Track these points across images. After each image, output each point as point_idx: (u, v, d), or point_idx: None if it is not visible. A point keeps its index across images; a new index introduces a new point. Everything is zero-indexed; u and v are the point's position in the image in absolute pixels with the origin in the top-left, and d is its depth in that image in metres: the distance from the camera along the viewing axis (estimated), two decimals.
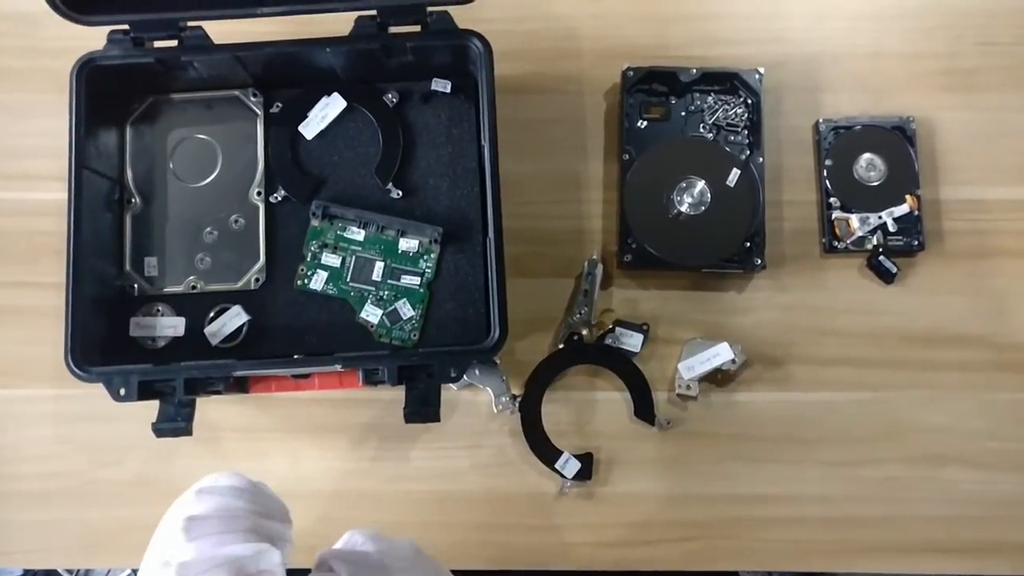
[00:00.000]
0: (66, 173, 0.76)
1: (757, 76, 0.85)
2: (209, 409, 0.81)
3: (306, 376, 0.77)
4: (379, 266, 0.82)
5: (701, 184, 0.82)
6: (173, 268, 0.83)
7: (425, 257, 0.82)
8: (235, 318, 0.81)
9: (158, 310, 0.82)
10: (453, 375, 0.74)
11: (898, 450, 0.82)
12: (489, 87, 0.77)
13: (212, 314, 0.82)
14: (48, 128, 0.86)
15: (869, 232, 0.85)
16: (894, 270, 0.84)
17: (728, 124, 0.86)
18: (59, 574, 1.19)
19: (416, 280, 0.82)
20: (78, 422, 0.83)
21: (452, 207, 0.83)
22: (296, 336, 0.82)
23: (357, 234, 0.82)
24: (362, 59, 0.80)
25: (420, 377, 0.74)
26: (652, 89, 0.87)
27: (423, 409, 0.74)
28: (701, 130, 0.86)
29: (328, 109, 0.84)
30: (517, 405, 0.82)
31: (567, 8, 0.91)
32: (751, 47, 0.89)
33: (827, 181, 0.86)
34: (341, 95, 0.84)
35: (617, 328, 0.83)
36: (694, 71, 0.85)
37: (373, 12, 0.77)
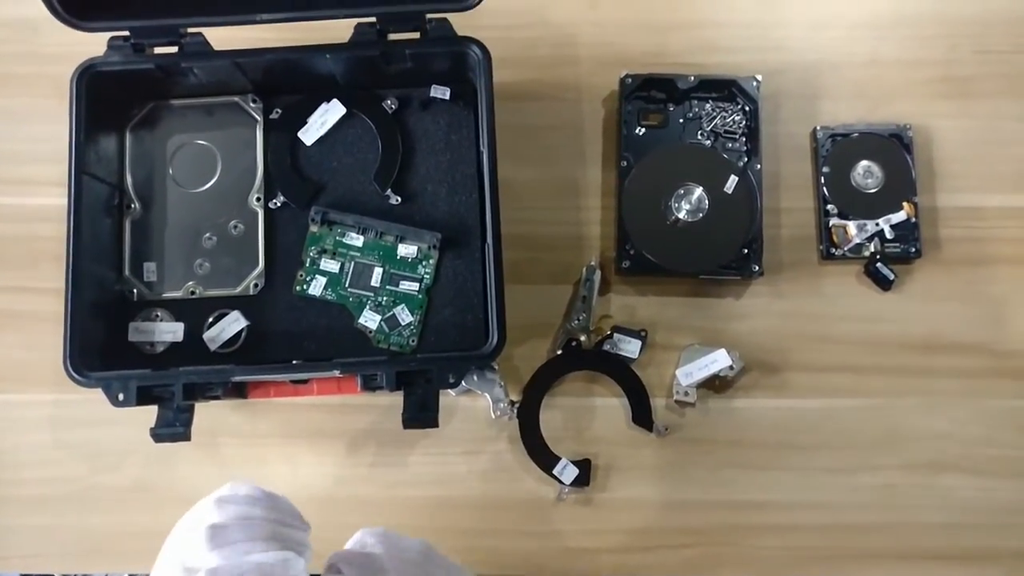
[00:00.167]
0: (66, 178, 0.77)
1: (755, 83, 0.85)
2: (208, 414, 0.80)
3: (305, 382, 0.77)
4: (378, 272, 0.82)
5: (699, 191, 0.82)
6: (172, 273, 0.83)
7: (424, 263, 0.82)
8: (234, 323, 0.81)
9: (157, 315, 0.82)
10: (451, 381, 0.74)
11: (896, 457, 0.82)
12: (488, 94, 0.77)
13: (211, 319, 0.82)
14: (48, 133, 0.86)
15: (866, 239, 0.85)
16: (891, 277, 0.84)
17: (726, 131, 0.86)
18: None
19: (415, 286, 0.82)
20: (77, 427, 0.83)
21: (451, 213, 0.83)
22: (295, 341, 0.82)
23: (356, 240, 0.83)
24: (361, 66, 0.81)
25: (418, 383, 0.75)
26: (650, 96, 0.87)
27: (421, 415, 0.74)
28: (699, 137, 0.86)
29: (327, 115, 0.84)
30: (515, 411, 0.82)
31: (566, 15, 0.91)
32: (749, 55, 0.90)
33: (824, 188, 0.86)
34: (340, 101, 0.84)
35: (615, 334, 0.83)
36: (692, 78, 0.85)
37: (372, 19, 0.78)
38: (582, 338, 0.83)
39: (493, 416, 0.82)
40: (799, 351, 0.84)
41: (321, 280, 0.82)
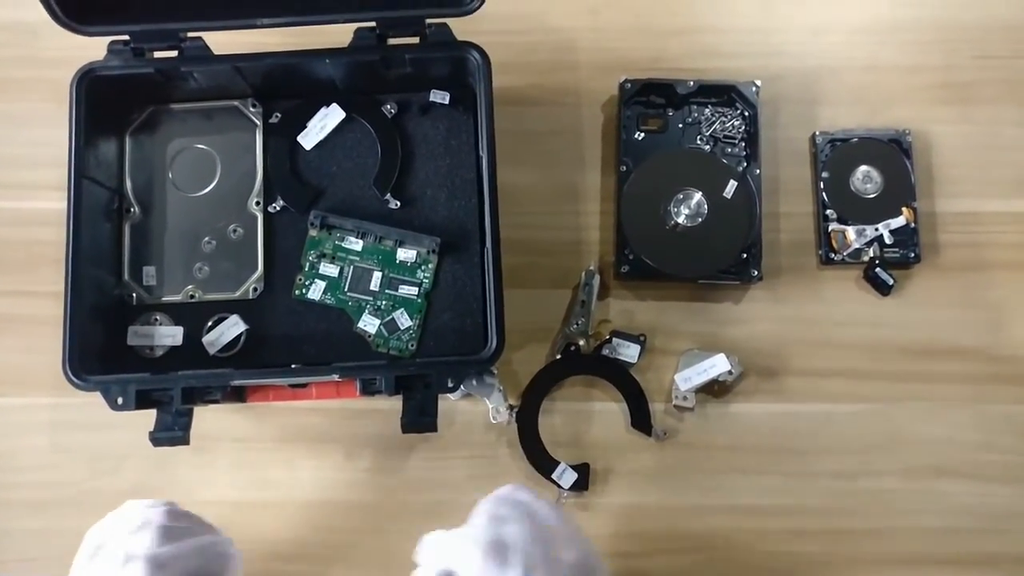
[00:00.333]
0: (65, 182, 0.77)
1: (754, 88, 0.85)
2: (207, 418, 0.80)
3: (303, 386, 0.77)
4: (377, 276, 0.82)
5: (698, 196, 0.82)
6: (171, 277, 0.83)
7: (423, 267, 0.82)
8: (233, 327, 0.81)
9: (156, 319, 0.82)
10: (450, 385, 0.74)
11: (895, 462, 0.82)
12: (487, 99, 0.77)
13: (210, 323, 0.82)
14: (48, 138, 0.86)
15: (865, 244, 0.85)
16: (890, 282, 0.84)
17: (725, 136, 0.86)
18: None
19: (414, 290, 0.82)
20: (75, 431, 0.83)
21: (450, 218, 0.83)
22: (294, 346, 0.82)
23: (355, 244, 0.83)
24: (361, 70, 0.81)
25: (417, 387, 0.75)
26: (649, 101, 0.87)
27: (420, 419, 0.74)
28: (698, 142, 0.87)
29: (327, 120, 0.84)
30: (514, 415, 0.82)
31: (565, 21, 0.91)
32: (748, 60, 0.90)
33: (824, 193, 0.86)
34: (340, 106, 0.84)
35: (614, 339, 0.83)
36: (691, 83, 0.85)
37: (372, 24, 0.78)
38: (581, 343, 0.83)
39: (492, 420, 0.82)
40: (798, 356, 0.84)
41: (320, 284, 0.82)
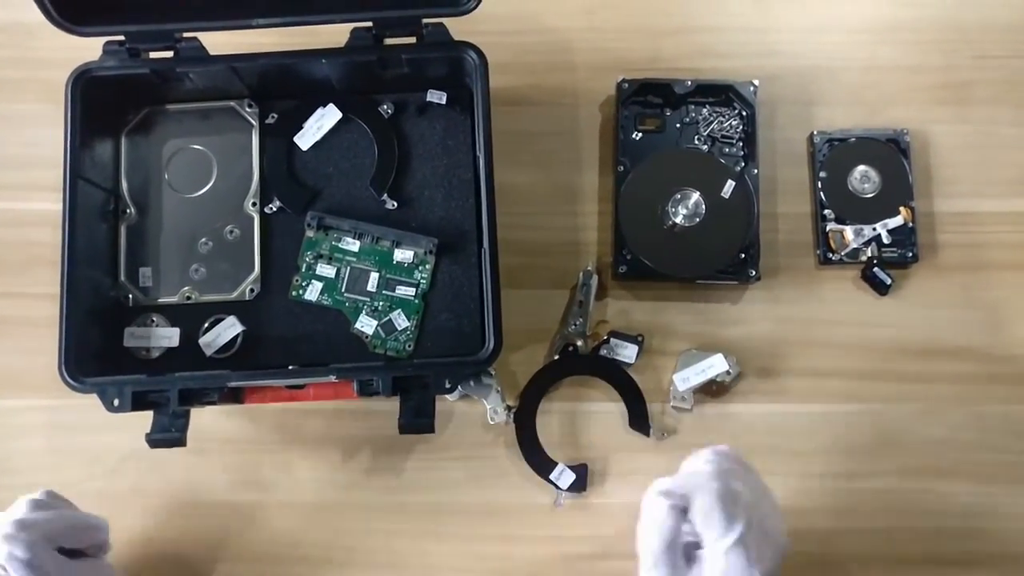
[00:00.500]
0: (61, 183, 0.76)
1: (752, 88, 0.85)
2: (203, 419, 0.80)
3: (301, 387, 0.77)
4: (374, 277, 0.82)
5: (696, 196, 0.82)
6: (168, 279, 0.83)
7: (420, 268, 0.82)
8: (230, 329, 0.81)
9: (152, 320, 0.82)
10: (448, 386, 0.73)
11: (893, 462, 0.82)
12: (484, 99, 0.77)
13: (207, 325, 0.81)
14: (43, 138, 0.86)
15: (863, 244, 0.85)
16: (888, 282, 0.84)
17: (723, 136, 0.86)
18: None
19: (411, 291, 0.82)
20: (72, 433, 0.83)
21: (447, 218, 0.83)
22: (291, 347, 0.82)
23: (352, 245, 0.83)
24: (358, 70, 0.81)
25: (415, 388, 0.74)
26: (647, 101, 0.87)
27: (418, 420, 0.74)
28: (696, 142, 0.86)
29: (323, 120, 0.84)
30: (512, 416, 0.82)
31: (562, 21, 0.91)
32: (746, 60, 0.90)
33: (821, 193, 0.86)
34: (337, 106, 0.84)
35: (612, 339, 0.83)
36: (689, 83, 0.85)
37: (368, 24, 0.77)
38: (579, 343, 0.83)
39: (490, 421, 0.81)
40: (796, 356, 0.84)
41: (317, 285, 0.82)
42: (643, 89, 0.86)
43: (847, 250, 0.85)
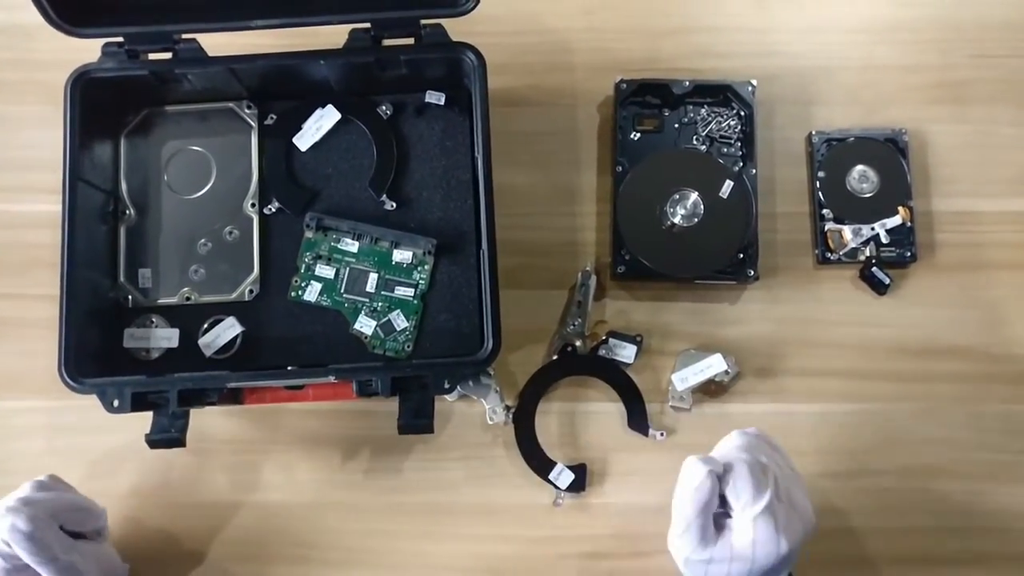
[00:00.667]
0: (60, 185, 0.76)
1: (750, 88, 0.85)
2: (203, 420, 0.80)
3: (300, 387, 0.77)
4: (373, 277, 0.82)
5: (694, 196, 0.82)
6: (167, 280, 0.83)
7: (419, 269, 0.82)
8: (229, 329, 0.81)
9: (152, 321, 0.82)
10: (447, 387, 0.74)
11: (891, 462, 0.82)
12: (483, 99, 0.77)
13: (206, 325, 0.82)
14: (42, 140, 0.86)
15: (862, 243, 0.85)
16: (887, 281, 0.84)
17: (721, 136, 0.86)
18: None
19: (410, 291, 0.82)
20: (72, 433, 0.83)
21: (446, 219, 0.83)
22: (290, 347, 0.82)
23: (351, 246, 0.83)
24: (356, 71, 0.81)
25: (414, 389, 0.75)
26: (645, 101, 0.87)
27: (417, 421, 0.74)
28: (694, 142, 0.86)
29: (322, 121, 0.84)
30: (511, 416, 0.82)
31: (560, 21, 0.91)
32: (744, 60, 0.90)
33: (820, 193, 0.86)
34: (335, 107, 0.84)
35: (610, 339, 0.83)
36: (687, 83, 0.85)
37: (367, 25, 0.78)
38: (577, 343, 0.83)
39: (489, 421, 0.82)
40: (794, 356, 0.84)
41: (316, 286, 0.82)
42: (641, 89, 0.86)
43: (845, 250, 0.85)
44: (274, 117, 0.85)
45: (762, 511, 0.63)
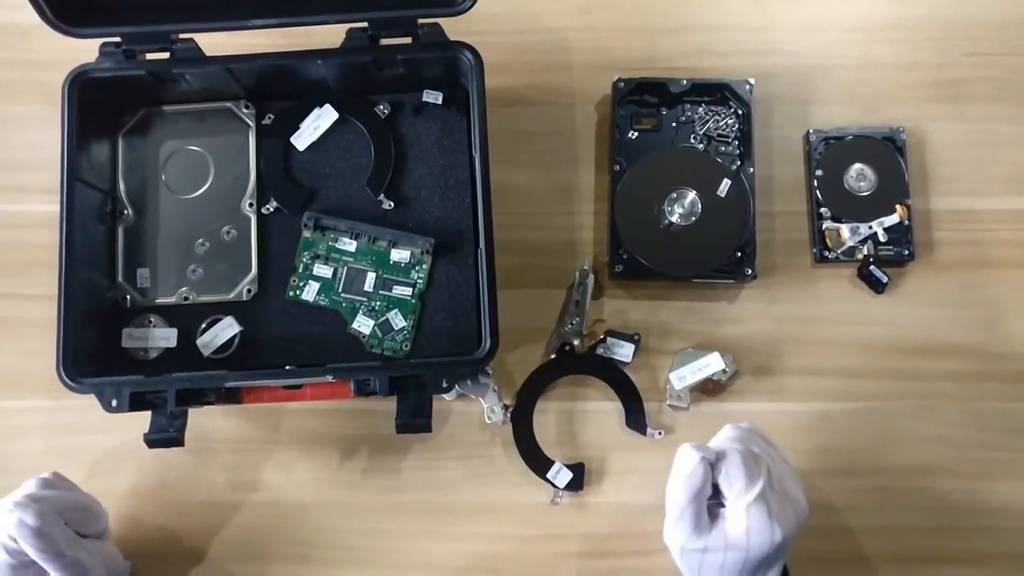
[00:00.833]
0: (58, 185, 0.76)
1: (748, 87, 0.85)
2: (201, 420, 0.80)
3: (298, 387, 0.77)
4: (371, 277, 0.82)
5: (692, 195, 0.82)
6: (165, 279, 0.83)
7: (417, 268, 0.82)
8: (227, 329, 0.81)
9: (150, 321, 0.82)
10: (445, 386, 0.74)
11: (889, 460, 0.82)
12: (480, 99, 0.77)
13: (204, 325, 0.82)
14: (40, 140, 0.86)
15: (860, 242, 0.85)
16: (885, 280, 0.84)
17: (719, 135, 0.86)
18: None
19: (408, 291, 0.82)
20: (70, 433, 0.83)
21: (444, 218, 0.83)
22: (288, 347, 0.82)
23: (349, 245, 0.83)
24: (354, 71, 0.81)
25: (412, 388, 0.75)
26: (643, 100, 0.87)
27: (415, 420, 0.74)
28: (692, 141, 0.87)
29: (320, 121, 0.84)
30: (509, 415, 0.82)
31: (558, 21, 0.91)
32: (741, 59, 0.90)
33: (818, 191, 0.86)
34: (333, 107, 0.84)
35: (608, 338, 0.83)
36: (684, 82, 0.85)
37: (364, 24, 0.78)
38: (575, 342, 0.83)
39: (487, 420, 0.82)
40: (792, 354, 0.84)
41: (314, 285, 0.82)
42: (639, 88, 0.86)
43: (843, 248, 0.85)
44: (272, 117, 0.85)
45: (755, 499, 0.63)
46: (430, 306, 0.82)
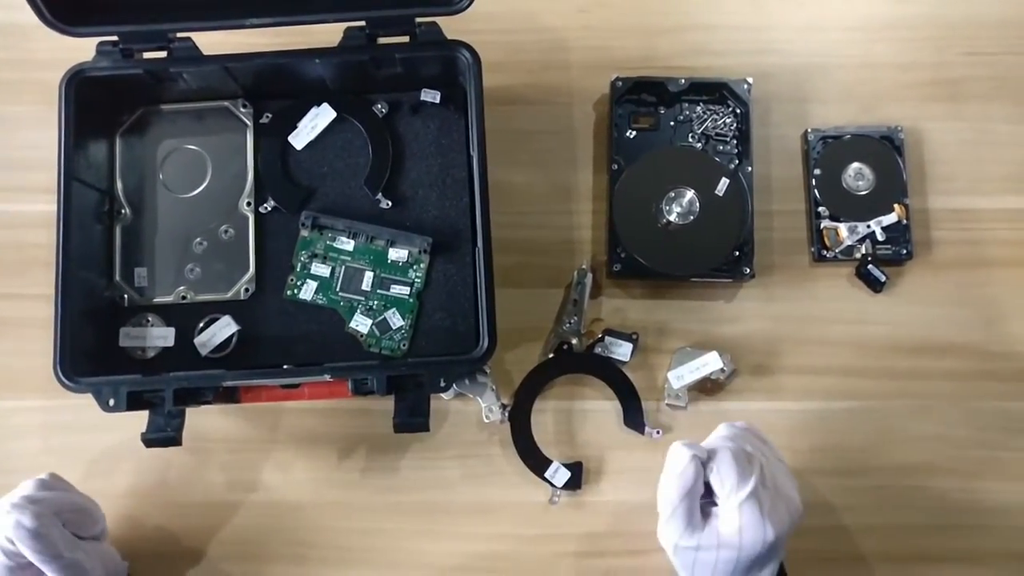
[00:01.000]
0: (55, 184, 0.76)
1: (746, 86, 0.85)
2: (199, 419, 0.80)
3: (296, 386, 0.77)
4: (369, 276, 0.82)
5: (690, 194, 0.82)
6: (163, 279, 0.83)
7: (415, 267, 0.82)
8: (225, 328, 0.81)
9: (148, 320, 0.82)
10: (442, 385, 0.74)
11: (887, 459, 0.82)
12: (478, 98, 0.77)
13: (202, 324, 0.82)
14: (37, 140, 0.86)
15: (858, 241, 0.85)
16: (883, 279, 0.84)
17: (717, 134, 0.86)
18: None
19: (406, 290, 0.82)
20: (67, 433, 0.83)
21: (441, 217, 0.83)
22: (286, 346, 0.82)
23: (347, 244, 0.83)
24: (351, 70, 0.81)
25: (409, 387, 0.74)
26: (641, 99, 0.87)
27: (412, 419, 0.74)
28: (690, 140, 0.86)
29: (318, 120, 0.84)
30: (507, 415, 0.82)
31: (556, 20, 0.91)
32: (739, 58, 0.90)
33: (816, 190, 0.86)
34: (330, 106, 0.84)
35: (606, 337, 0.83)
36: (683, 81, 0.85)
37: (362, 23, 0.78)
38: (573, 341, 0.83)
39: (485, 420, 0.82)
40: (790, 354, 0.84)
41: (312, 284, 0.82)
42: (637, 87, 0.86)
43: (841, 247, 0.85)
44: (269, 116, 0.85)
45: (747, 497, 0.63)
46: (428, 305, 0.82)
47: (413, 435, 0.79)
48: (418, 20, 0.77)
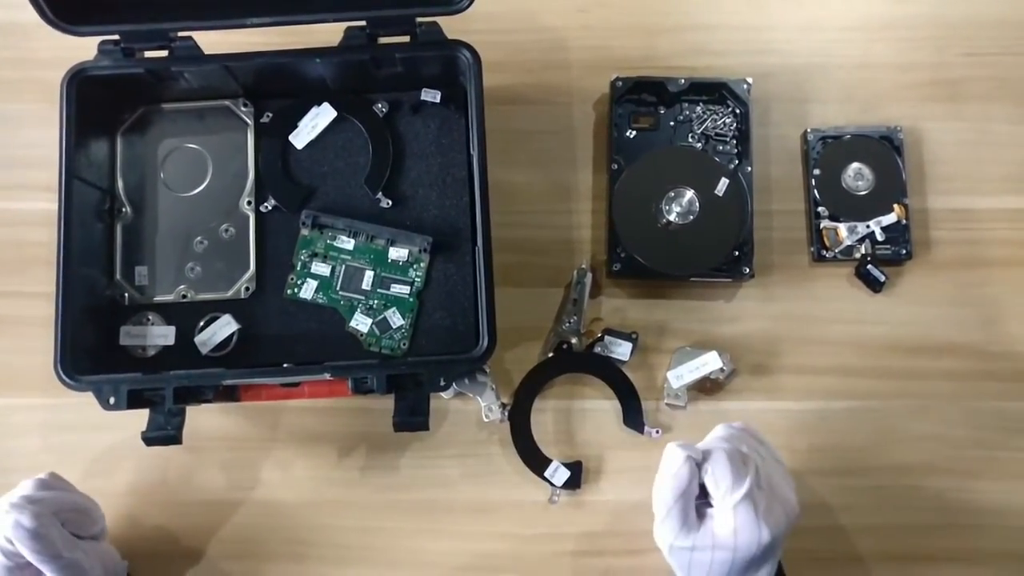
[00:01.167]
0: (57, 183, 0.77)
1: (745, 86, 0.86)
2: (199, 418, 0.81)
3: (296, 385, 0.77)
4: (369, 275, 0.82)
5: (690, 194, 0.82)
6: (163, 277, 0.83)
7: (415, 266, 0.82)
8: (225, 327, 0.81)
9: (148, 319, 0.82)
10: (442, 384, 0.74)
11: (886, 459, 0.82)
12: (478, 97, 0.77)
13: (202, 323, 0.82)
14: (39, 138, 0.86)
15: (857, 241, 0.85)
16: (882, 279, 0.84)
17: (717, 134, 0.86)
18: None
19: (406, 289, 0.82)
20: (68, 431, 0.83)
21: (441, 216, 0.84)
22: (286, 345, 0.82)
23: (347, 243, 0.83)
24: (352, 69, 0.81)
25: (409, 386, 0.75)
26: (641, 99, 0.87)
27: (412, 418, 0.74)
28: (690, 140, 0.87)
29: (318, 119, 0.84)
30: (506, 414, 0.82)
31: (556, 19, 0.91)
32: (739, 58, 0.90)
33: (815, 190, 0.86)
34: (331, 105, 0.84)
35: (606, 337, 0.83)
36: (682, 81, 0.85)
37: (362, 23, 0.78)
38: (573, 341, 0.83)
39: (484, 419, 0.82)
40: (790, 353, 0.84)
41: (312, 283, 0.82)
42: (637, 87, 0.86)
43: (841, 247, 0.85)
44: (270, 115, 0.85)
45: (742, 499, 0.63)
46: (428, 304, 0.82)
47: (413, 434, 0.79)
48: (418, 20, 0.78)
